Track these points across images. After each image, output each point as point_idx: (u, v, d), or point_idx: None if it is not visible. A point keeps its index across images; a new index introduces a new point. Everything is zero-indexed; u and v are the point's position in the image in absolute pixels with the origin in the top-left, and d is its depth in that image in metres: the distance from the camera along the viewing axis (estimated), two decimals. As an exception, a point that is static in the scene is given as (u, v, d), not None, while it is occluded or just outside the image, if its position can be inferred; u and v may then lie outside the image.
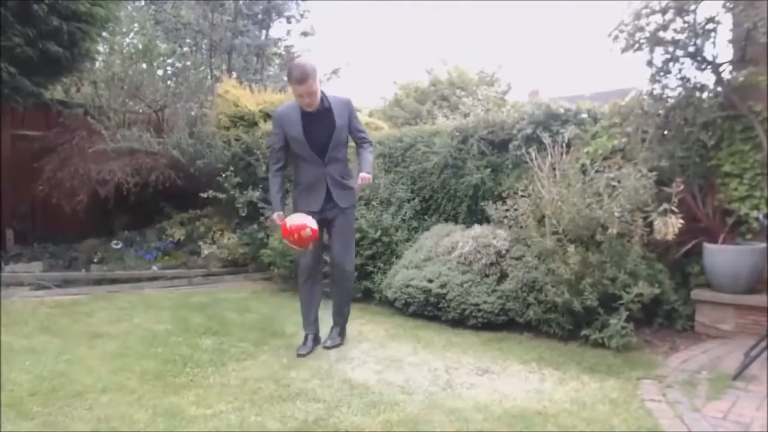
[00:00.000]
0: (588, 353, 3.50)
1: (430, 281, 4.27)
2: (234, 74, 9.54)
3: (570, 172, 3.95)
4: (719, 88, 4.04)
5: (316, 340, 3.68)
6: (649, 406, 2.68)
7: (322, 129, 3.55)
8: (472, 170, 5.13)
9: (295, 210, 3.62)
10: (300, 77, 3.36)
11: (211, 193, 6.25)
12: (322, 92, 3.53)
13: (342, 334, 3.79)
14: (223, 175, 6.20)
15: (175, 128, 6.96)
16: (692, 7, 3.83)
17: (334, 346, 3.64)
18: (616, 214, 3.56)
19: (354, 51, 26.63)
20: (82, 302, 4.92)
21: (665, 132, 4.24)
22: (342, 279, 3.73)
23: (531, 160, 4.16)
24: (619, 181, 3.75)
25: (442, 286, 4.20)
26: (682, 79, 4.11)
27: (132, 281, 5.82)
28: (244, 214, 6.18)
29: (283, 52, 12.04)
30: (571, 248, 3.63)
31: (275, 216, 3.65)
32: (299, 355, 3.48)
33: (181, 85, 8.65)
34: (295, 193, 3.73)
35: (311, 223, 3.37)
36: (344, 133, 3.64)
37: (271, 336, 3.89)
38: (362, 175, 3.48)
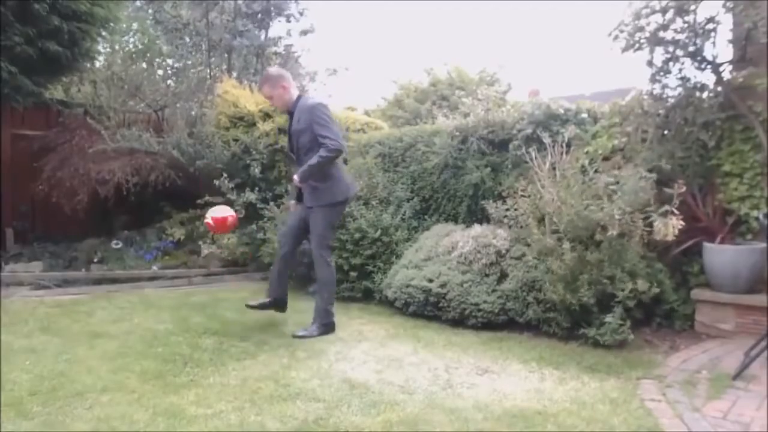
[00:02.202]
0: (588, 353, 3.50)
1: (430, 281, 4.28)
2: (234, 74, 9.51)
3: (570, 172, 3.95)
4: (719, 88, 4.05)
5: (273, 303, 4.07)
6: (649, 406, 2.68)
7: (289, 132, 3.99)
8: (472, 170, 5.13)
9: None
10: (259, 84, 4.05)
11: (207, 198, 6.26)
12: (301, 96, 3.88)
13: (320, 328, 3.86)
14: (220, 179, 6.20)
15: (175, 128, 6.96)
16: (692, 7, 3.83)
17: (300, 336, 3.77)
18: (617, 216, 3.55)
19: (354, 50, 26.65)
20: (82, 302, 4.92)
21: (665, 132, 4.24)
22: (315, 266, 3.99)
23: (531, 159, 4.16)
24: (617, 183, 3.75)
25: (442, 285, 4.20)
26: (682, 79, 4.11)
27: (132, 281, 5.81)
28: (242, 216, 6.18)
29: (283, 52, 12.01)
30: (567, 244, 3.63)
31: (290, 204, 4.28)
32: (247, 305, 4.02)
33: (181, 85, 8.64)
34: None
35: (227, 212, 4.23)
36: (305, 137, 3.80)
37: (271, 336, 3.89)
38: (293, 177, 3.78)
